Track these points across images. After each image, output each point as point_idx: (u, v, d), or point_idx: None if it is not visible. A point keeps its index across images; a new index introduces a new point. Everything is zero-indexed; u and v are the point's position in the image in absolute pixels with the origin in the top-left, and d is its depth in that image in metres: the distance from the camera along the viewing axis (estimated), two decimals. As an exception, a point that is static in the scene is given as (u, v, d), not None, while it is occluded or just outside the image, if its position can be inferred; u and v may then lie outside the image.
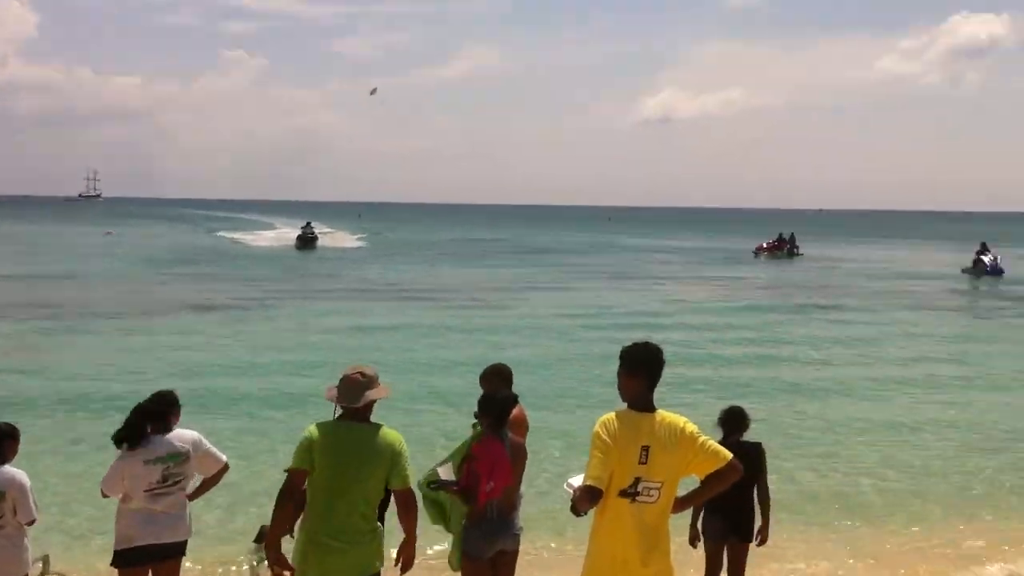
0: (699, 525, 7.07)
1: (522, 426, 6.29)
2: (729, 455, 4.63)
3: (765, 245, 62.58)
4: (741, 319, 27.83)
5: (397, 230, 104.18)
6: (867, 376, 18.85)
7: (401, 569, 5.42)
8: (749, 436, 7.32)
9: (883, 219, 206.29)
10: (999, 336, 25.13)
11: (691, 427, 4.59)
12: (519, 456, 5.99)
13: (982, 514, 10.48)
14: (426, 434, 12.33)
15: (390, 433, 5.25)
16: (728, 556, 7.11)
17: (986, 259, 45.90)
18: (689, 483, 4.69)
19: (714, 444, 4.67)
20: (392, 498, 5.34)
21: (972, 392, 17.32)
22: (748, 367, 19.58)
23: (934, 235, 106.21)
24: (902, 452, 12.99)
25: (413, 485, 5.36)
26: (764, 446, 7.34)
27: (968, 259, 47.79)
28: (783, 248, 60.88)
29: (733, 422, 7.22)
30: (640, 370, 4.57)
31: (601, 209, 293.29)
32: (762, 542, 7.18)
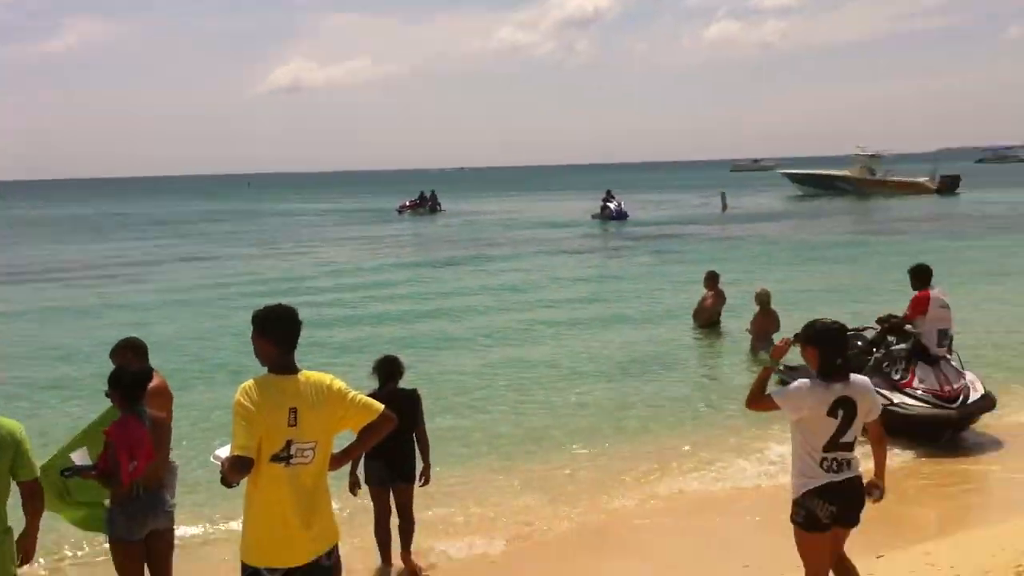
0: (358, 472, 7.26)
1: (162, 397, 5.96)
2: (380, 407, 4.64)
3: (407, 203, 63.97)
4: (390, 275, 28.20)
5: (14, 207, 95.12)
6: (514, 319, 19.73)
7: (22, 562, 5.12)
8: (406, 384, 7.51)
9: (519, 175, 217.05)
10: (628, 274, 27.27)
11: (338, 383, 4.55)
12: (161, 431, 5.70)
13: (643, 437, 11.22)
14: (49, 424, 11.26)
15: (7, 423, 4.96)
16: (395, 499, 7.47)
17: (612, 205, 49.90)
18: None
19: (364, 397, 4.64)
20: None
21: (610, 326, 18.63)
22: (402, 321, 19.76)
23: (565, 187, 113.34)
24: (554, 388, 13.63)
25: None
26: (420, 392, 7.57)
27: (596, 206, 51.65)
28: (425, 205, 62.58)
29: (387, 370, 7.42)
30: (273, 333, 4.49)
31: (237, 177, 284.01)
32: (425, 483, 7.52)
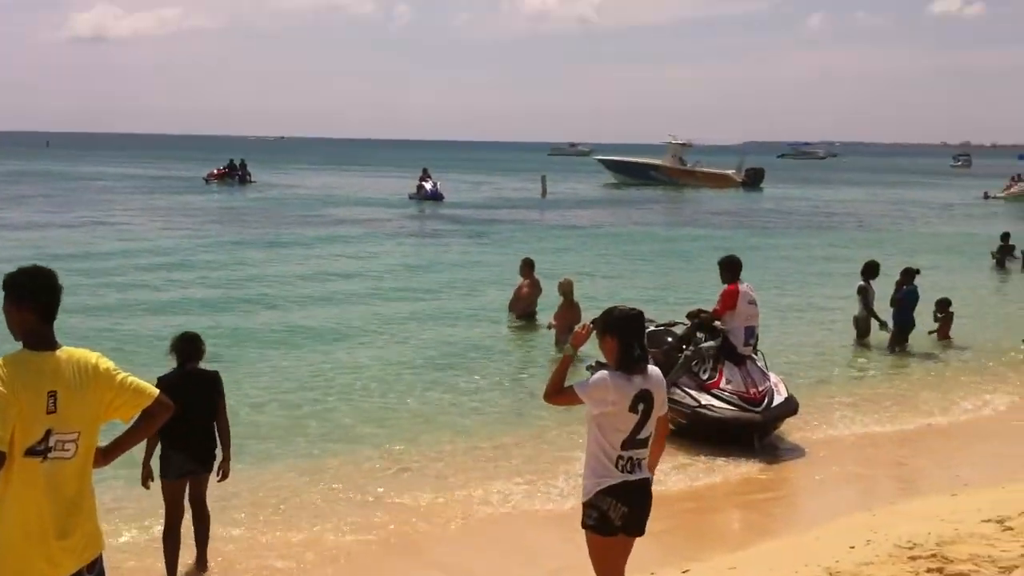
0: (152, 463, 6.74)
1: None
2: (155, 391, 4.11)
3: (215, 172, 61.86)
4: (191, 255, 26.60)
5: None
6: (325, 309, 18.91)
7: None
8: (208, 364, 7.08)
9: (338, 148, 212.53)
10: (446, 260, 26.74)
11: (105, 363, 3.94)
12: None
13: (451, 440, 10.73)
14: None
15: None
16: (190, 491, 6.92)
17: (427, 185, 49.20)
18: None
19: (136, 380, 4.06)
20: None
21: (425, 317, 18.05)
22: (203, 307, 18.60)
23: (385, 163, 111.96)
24: (364, 385, 12.97)
25: None
26: (221, 374, 7.12)
27: (413, 185, 50.95)
28: (234, 175, 60.65)
29: (186, 349, 6.91)
30: (30, 299, 3.86)
31: (34, 135, 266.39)
32: (223, 476, 7.00)
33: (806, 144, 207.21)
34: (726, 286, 10.93)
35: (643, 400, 5.07)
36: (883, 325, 15.28)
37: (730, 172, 69.70)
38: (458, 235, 33.54)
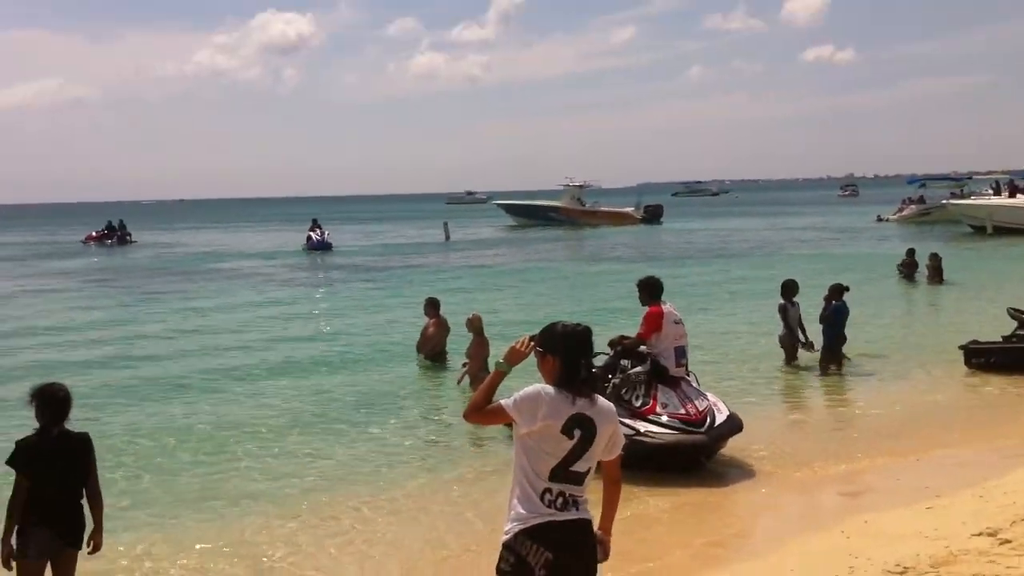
0: (12, 541, 5.58)
1: None
2: None
3: (95, 234, 60.99)
4: (68, 311, 25.03)
5: None
6: (214, 351, 17.62)
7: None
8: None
9: (234, 207, 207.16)
10: (349, 306, 25.22)
11: None
12: None
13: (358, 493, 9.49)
14: None
15: None
16: (53, 569, 5.80)
17: (315, 236, 48.56)
18: None
19: None
20: None
21: (328, 364, 16.62)
22: (81, 357, 17.16)
23: (277, 218, 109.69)
24: (267, 426, 11.76)
25: None
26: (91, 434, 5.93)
27: (304, 237, 49.85)
28: (112, 236, 59.50)
29: (53, 406, 5.75)
30: None
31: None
32: (95, 549, 5.87)
33: (698, 182, 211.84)
34: (648, 308, 10.05)
35: (581, 426, 4.17)
36: (805, 344, 14.68)
37: (629, 210, 70.17)
38: (357, 281, 32.24)
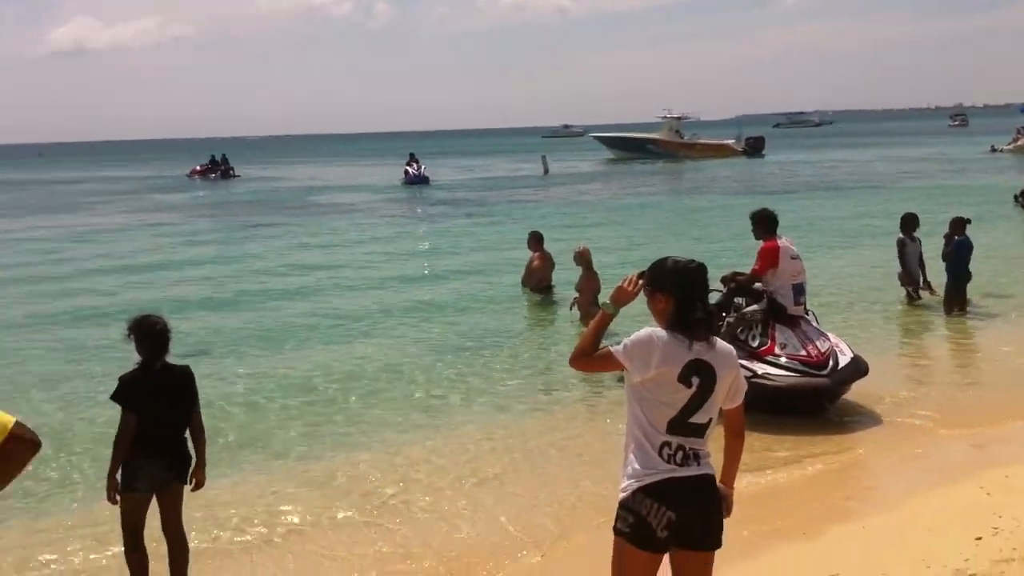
0: (119, 476, 5.56)
1: None
2: (10, 421, 3.40)
3: (199, 168, 61.79)
4: (176, 246, 25.56)
5: None
6: (321, 291, 17.64)
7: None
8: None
9: (323, 142, 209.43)
10: (453, 244, 24.85)
11: None
12: None
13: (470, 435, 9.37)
14: None
15: None
16: (161, 507, 5.76)
17: (411, 170, 48.37)
18: None
19: None
20: None
21: (434, 301, 16.41)
22: (192, 295, 17.34)
23: (370, 153, 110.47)
24: (375, 368, 11.66)
25: None
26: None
27: (401, 171, 49.93)
28: (216, 170, 60.23)
29: (155, 342, 5.71)
30: None
31: (26, 147, 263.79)
32: (197, 485, 5.85)
33: (800, 113, 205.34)
34: (763, 243, 9.54)
35: (700, 373, 3.84)
36: (924, 284, 13.99)
37: (729, 142, 68.53)
38: (457, 216, 32.14)
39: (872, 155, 63.91)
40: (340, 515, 7.19)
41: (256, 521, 7.08)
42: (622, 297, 4.02)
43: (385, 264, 21.41)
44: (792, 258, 9.50)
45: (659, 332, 3.86)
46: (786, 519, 6.73)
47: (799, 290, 9.56)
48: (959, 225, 13.84)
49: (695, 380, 3.81)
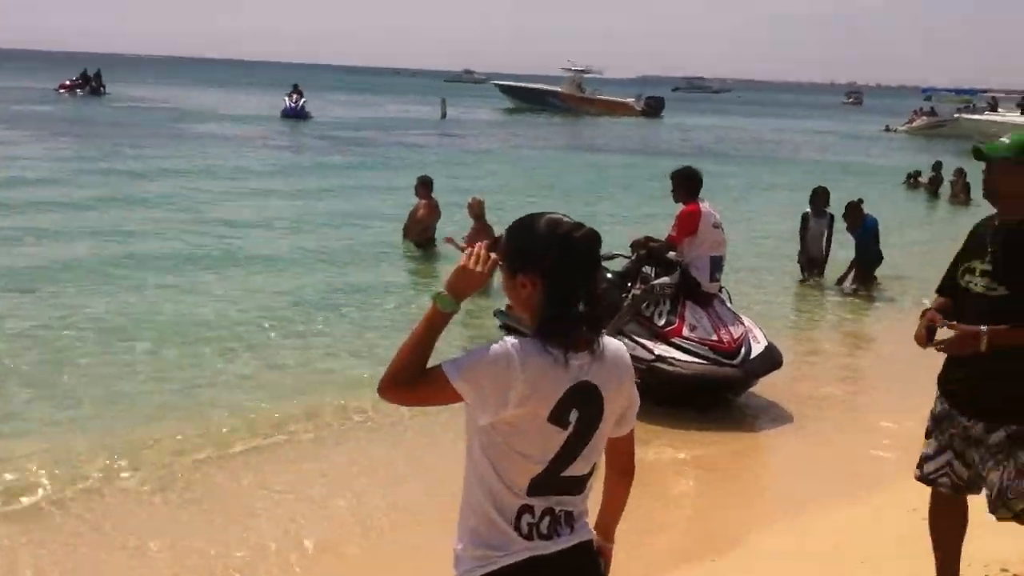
0: None
1: None
2: None
3: (68, 83, 59.15)
4: (42, 162, 23.36)
5: None
6: (177, 228, 15.85)
7: None
8: None
9: (198, 68, 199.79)
10: (333, 184, 23.08)
11: None
12: None
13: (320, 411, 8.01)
14: None
15: None
16: None
17: (288, 102, 46.12)
18: None
19: None
20: None
21: (306, 248, 14.91)
22: (48, 220, 15.54)
23: (258, 83, 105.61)
24: (224, 321, 10.23)
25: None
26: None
27: (281, 103, 47.45)
28: (86, 86, 57.98)
29: None
30: None
31: None
32: None
33: (699, 79, 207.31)
34: (683, 206, 8.39)
35: (582, 404, 2.50)
36: (819, 267, 13.34)
37: (630, 101, 68.15)
38: (338, 154, 30.21)
39: (768, 125, 64.23)
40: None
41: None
42: (466, 284, 2.54)
43: (246, 202, 19.48)
44: (714, 226, 8.38)
45: (518, 344, 2.45)
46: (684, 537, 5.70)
47: (717, 264, 8.45)
48: (857, 210, 13.21)
49: (573, 416, 2.48)
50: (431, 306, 2.50)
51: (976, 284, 3.95)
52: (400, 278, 13.16)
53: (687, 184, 8.49)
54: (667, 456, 7.02)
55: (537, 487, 2.49)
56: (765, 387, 8.33)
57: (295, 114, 45.02)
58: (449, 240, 12.10)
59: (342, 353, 9.29)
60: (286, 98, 46.65)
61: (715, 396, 8.00)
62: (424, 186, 14.41)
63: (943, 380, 4.14)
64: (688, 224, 8.29)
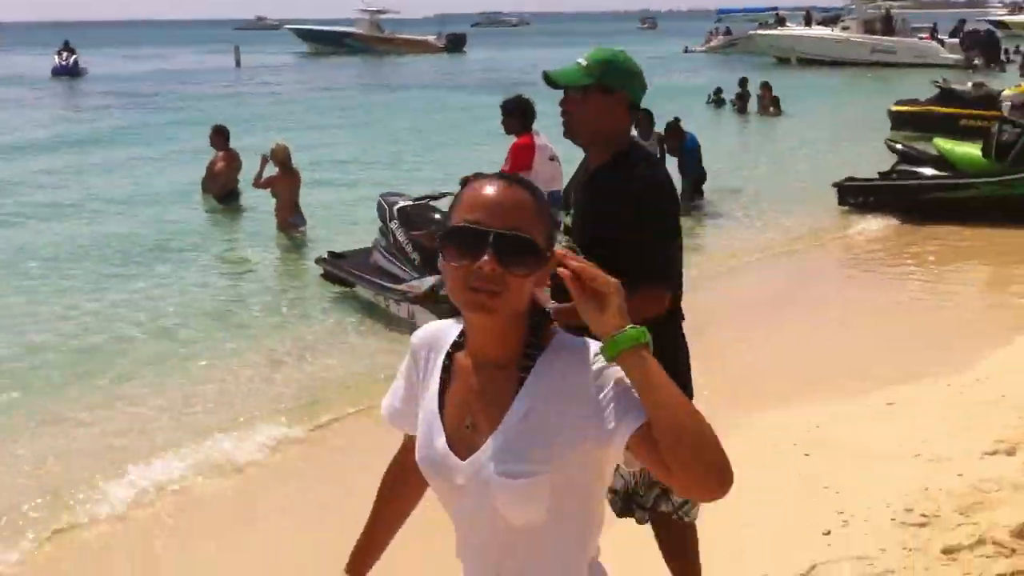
0: None
1: None
2: None
3: None
4: None
5: None
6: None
7: None
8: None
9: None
10: (118, 138, 21.48)
11: None
12: None
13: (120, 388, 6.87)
14: None
15: None
16: None
17: (57, 60, 42.74)
18: None
19: None
20: None
21: (93, 208, 13.47)
22: None
23: (27, 42, 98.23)
24: None
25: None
26: None
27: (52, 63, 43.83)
28: None
29: None
30: None
31: None
32: None
33: (497, 13, 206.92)
34: (516, 138, 7.64)
35: None
36: None
37: (430, 38, 67.00)
38: (121, 108, 28.14)
39: (570, 55, 64.11)
40: None
41: None
42: (601, 301, 1.57)
43: (30, 158, 17.72)
44: (549, 159, 7.66)
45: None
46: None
47: (553, 199, 7.73)
48: (676, 130, 12.94)
49: None
50: (631, 360, 1.53)
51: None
52: (198, 235, 11.88)
53: (519, 114, 7.76)
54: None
55: None
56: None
57: (67, 71, 41.66)
58: (263, 185, 10.98)
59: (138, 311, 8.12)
60: (55, 56, 43.00)
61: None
62: (220, 135, 13.06)
63: None
64: (522, 157, 7.57)
